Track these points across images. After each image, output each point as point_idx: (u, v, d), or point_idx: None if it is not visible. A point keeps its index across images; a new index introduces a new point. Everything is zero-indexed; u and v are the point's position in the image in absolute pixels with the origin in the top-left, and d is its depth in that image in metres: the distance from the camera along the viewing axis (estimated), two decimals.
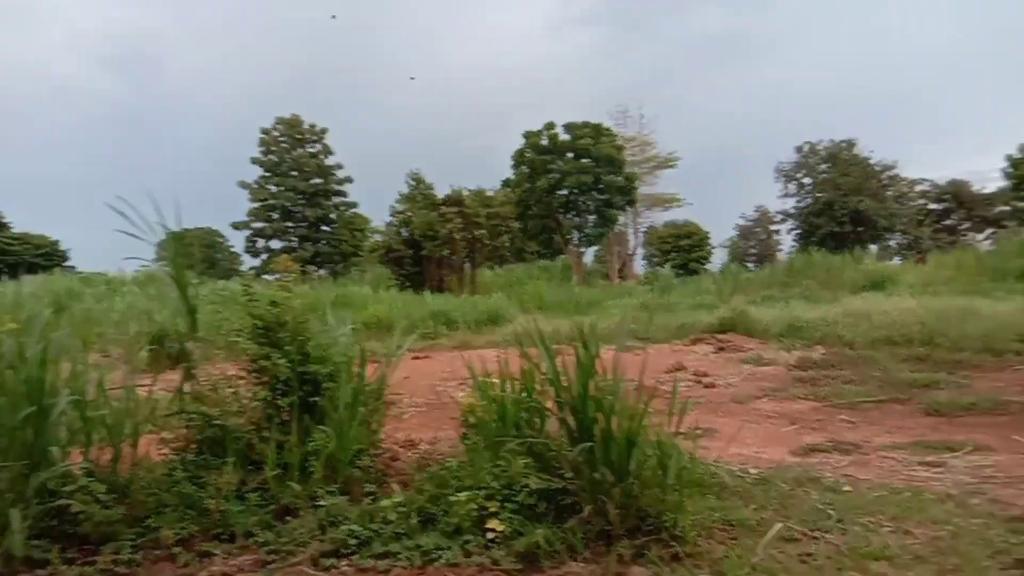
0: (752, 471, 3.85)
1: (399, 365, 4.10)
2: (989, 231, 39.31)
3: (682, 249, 42.45)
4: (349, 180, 40.53)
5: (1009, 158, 37.66)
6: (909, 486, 3.59)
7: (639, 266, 41.69)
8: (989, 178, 40.08)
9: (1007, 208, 38.59)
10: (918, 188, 41.34)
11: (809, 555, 2.73)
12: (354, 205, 40.71)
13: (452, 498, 3.03)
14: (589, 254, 40.29)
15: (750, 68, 70.65)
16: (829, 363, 8.38)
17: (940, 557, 2.66)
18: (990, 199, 40.14)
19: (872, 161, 37.26)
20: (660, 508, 2.94)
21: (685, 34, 77.22)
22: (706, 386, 7.48)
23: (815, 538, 2.89)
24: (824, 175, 37.61)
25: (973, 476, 3.84)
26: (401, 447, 4.45)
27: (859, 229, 35.63)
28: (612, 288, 27.49)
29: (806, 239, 35.78)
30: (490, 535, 2.91)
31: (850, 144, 37.50)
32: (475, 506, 2.98)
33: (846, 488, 3.54)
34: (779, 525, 2.98)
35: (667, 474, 2.97)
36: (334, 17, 63.56)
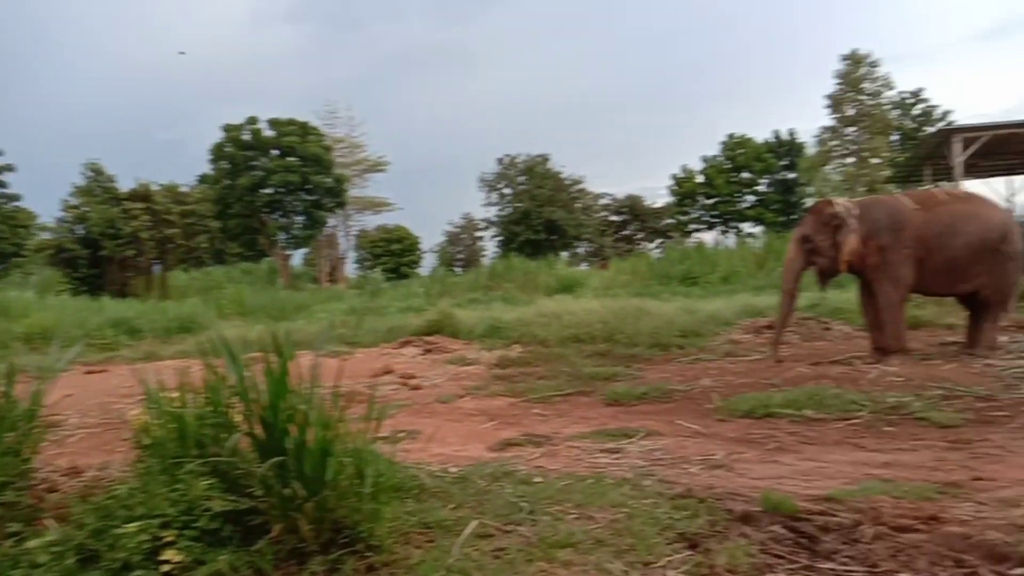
0: (452, 470, 3.87)
1: (63, 381, 3.52)
2: (659, 240, 44.84)
3: (393, 253, 42.82)
4: (10, 168, 35.03)
5: (674, 177, 43.41)
6: (592, 473, 3.85)
7: (350, 270, 41.24)
8: (659, 194, 45.65)
9: (672, 221, 44.34)
10: (601, 201, 45.90)
11: (502, 550, 2.78)
12: (17, 198, 35.28)
13: (119, 530, 2.64)
14: (297, 257, 38.96)
15: (459, 79, 73.82)
16: (525, 361, 8.89)
17: (618, 538, 2.85)
18: (659, 213, 45.81)
19: (563, 175, 40.71)
20: (356, 519, 2.82)
21: (396, 41, 78.51)
22: (412, 388, 7.53)
23: (508, 532, 2.96)
24: (522, 186, 40.28)
25: (646, 459, 4.24)
26: (62, 476, 3.84)
27: (552, 237, 38.70)
28: (321, 292, 26.88)
29: (507, 245, 38.02)
30: (165, 568, 2.57)
31: (544, 159, 40.61)
32: (147, 537, 2.61)
33: (537, 480, 3.69)
34: (475, 522, 3.00)
35: (364, 482, 2.86)
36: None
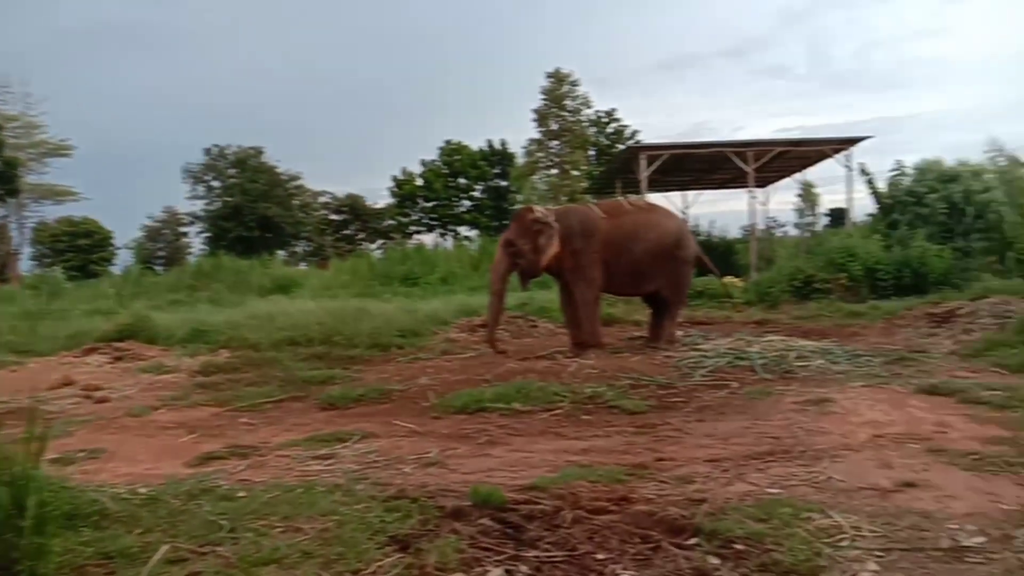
0: (142, 491, 3.46)
1: None
2: (380, 241, 44.82)
3: (81, 249, 37.88)
4: None
5: (394, 179, 43.68)
6: (302, 482, 3.66)
7: (25, 267, 35.82)
8: (380, 195, 45.61)
9: (393, 222, 44.62)
10: (321, 199, 44.80)
11: (197, 573, 2.52)
12: None
13: None
14: None
15: (162, 62, 67.12)
16: (233, 367, 8.33)
17: (327, 548, 2.72)
18: (381, 213, 45.82)
19: (279, 170, 38.95)
20: (15, 556, 2.39)
21: (83, 14, 69.50)
22: (98, 401, 6.69)
23: (205, 554, 2.69)
24: (233, 179, 37.90)
25: (360, 463, 4.14)
26: None
27: (268, 235, 36.92)
28: None
29: (216, 243, 35.55)
30: None
31: (258, 151, 38.50)
32: None
33: (241, 494, 3.43)
34: (165, 547, 2.69)
35: (24, 513, 2.43)
36: None
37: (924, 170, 15.77)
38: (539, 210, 8.41)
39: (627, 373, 6.80)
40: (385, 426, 5.20)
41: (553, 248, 8.10)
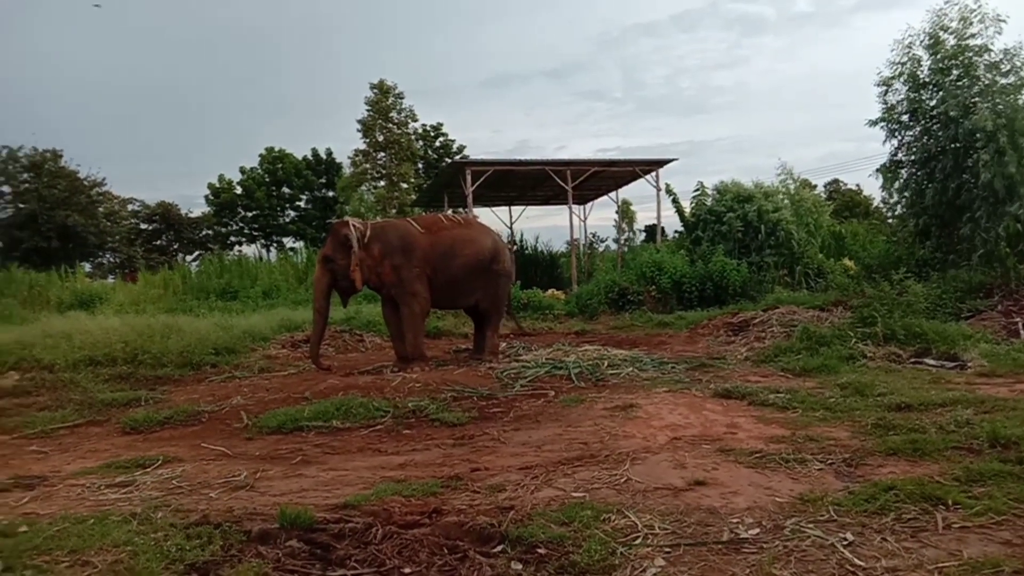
0: None
1: None
2: (197, 252, 42.35)
3: None
4: None
5: (211, 187, 41.50)
6: (95, 512, 3.42)
7: None
8: (196, 203, 43.11)
9: (211, 232, 42.35)
10: (130, 207, 41.71)
11: None
12: None
13: None
14: None
15: None
16: (24, 390, 7.63)
17: None
18: (197, 223, 43.33)
19: (81, 175, 35.82)
20: None
21: None
22: None
23: None
24: (27, 185, 34.42)
25: (161, 489, 3.91)
26: None
27: (69, 245, 33.83)
28: None
29: (7, 254, 32.09)
30: None
31: (56, 154, 35.19)
32: None
33: (23, 529, 3.16)
34: None
35: None
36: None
37: (723, 191, 17.15)
38: (355, 224, 8.33)
39: (450, 385, 6.90)
40: (192, 450, 4.95)
41: (368, 264, 8.14)
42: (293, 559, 2.83)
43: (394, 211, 27.02)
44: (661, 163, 19.28)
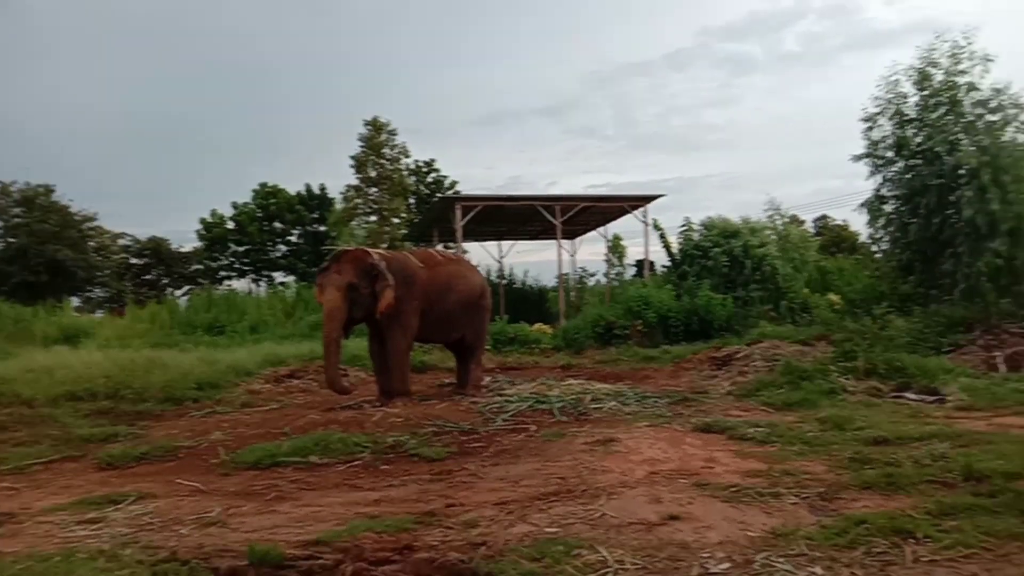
0: None
1: None
2: (187, 287, 42.22)
3: None
4: None
5: (202, 221, 41.55)
6: (62, 549, 3.39)
7: None
8: (187, 238, 43.07)
9: (201, 266, 42.28)
10: (121, 242, 41.66)
11: None
12: None
13: None
14: None
15: None
16: (3, 425, 7.53)
17: None
18: (187, 257, 43.27)
19: (72, 210, 35.85)
20: None
21: None
22: None
23: None
24: (19, 219, 34.42)
25: (131, 526, 3.87)
26: None
27: (58, 279, 33.71)
28: None
29: None
30: None
31: (48, 189, 35.25)
32: None
33: None
34: None
35: None
36: None
37: (710, 226, 17.33)
38: (375, 254, 8.26)
39: (432, 420, 6.87)
40: (167, 486, 4.90)
41: (391, 295, 7.95)
42: None
43: (384, 246, 27.11)
44: (649, 199, 19.43)
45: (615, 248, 25.33)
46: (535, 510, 4.01)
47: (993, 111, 11.62)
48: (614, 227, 24.34)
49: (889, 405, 7.10)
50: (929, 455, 4.76)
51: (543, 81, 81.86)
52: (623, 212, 20.62)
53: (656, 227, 18.80)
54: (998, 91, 11.54)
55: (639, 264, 26.21)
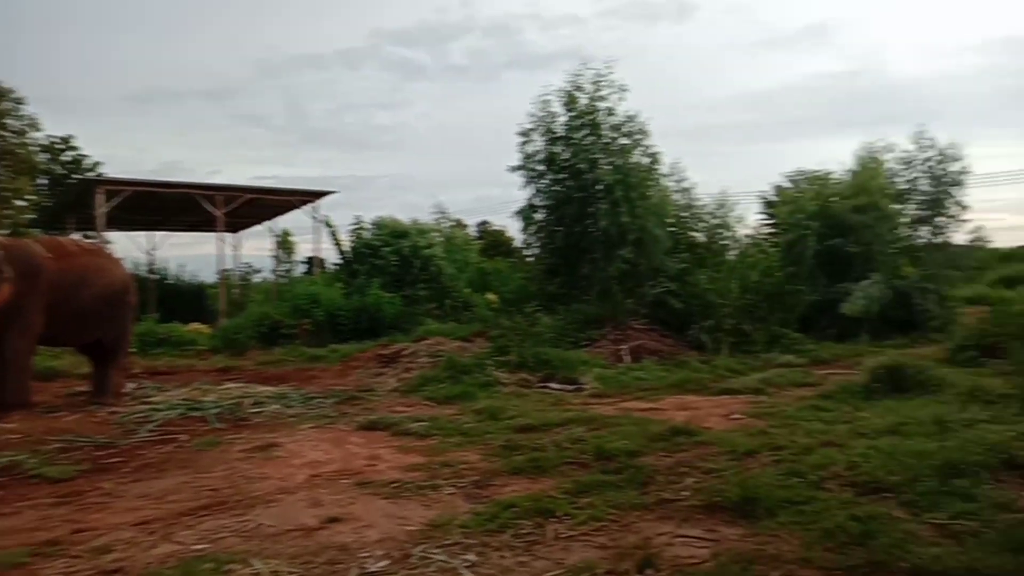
0: None
1: None
2: None
3: None
4: None
5: None
6: None
7: None
8: None
9: None
10: None
11: None
12: None
13: None
14: None
15: None
16: None
17: None
18: None
19: None
20: None
21: None
22: None
23: None
24: None
25: None
26: None
27: None
28: None
29: None
30: None
31: None
32: None
33: None
34: None
35: None
36: None
37: (380, 226, 17.54)
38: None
39: (59, 435, 6.00)
40: None
41: (5, 290, 6.78)
42: None
43: (7, 232, 23.17)
44: (320, 194, 19.08)
45: (284, 244, 24.56)
46: (182, 527, 3.68)
47: (625, 135, 13.33)
48: (283, 222, 23.55)
49: (536, 395, 7.77)
50: (568, 439, 5.27)
51: (207, 63, 76.23)
52: (293, 207, 19.97)
53: (327, 224, 18.54)
54: (630, 118, 13.25)
55: (309, 261, 25.72)
